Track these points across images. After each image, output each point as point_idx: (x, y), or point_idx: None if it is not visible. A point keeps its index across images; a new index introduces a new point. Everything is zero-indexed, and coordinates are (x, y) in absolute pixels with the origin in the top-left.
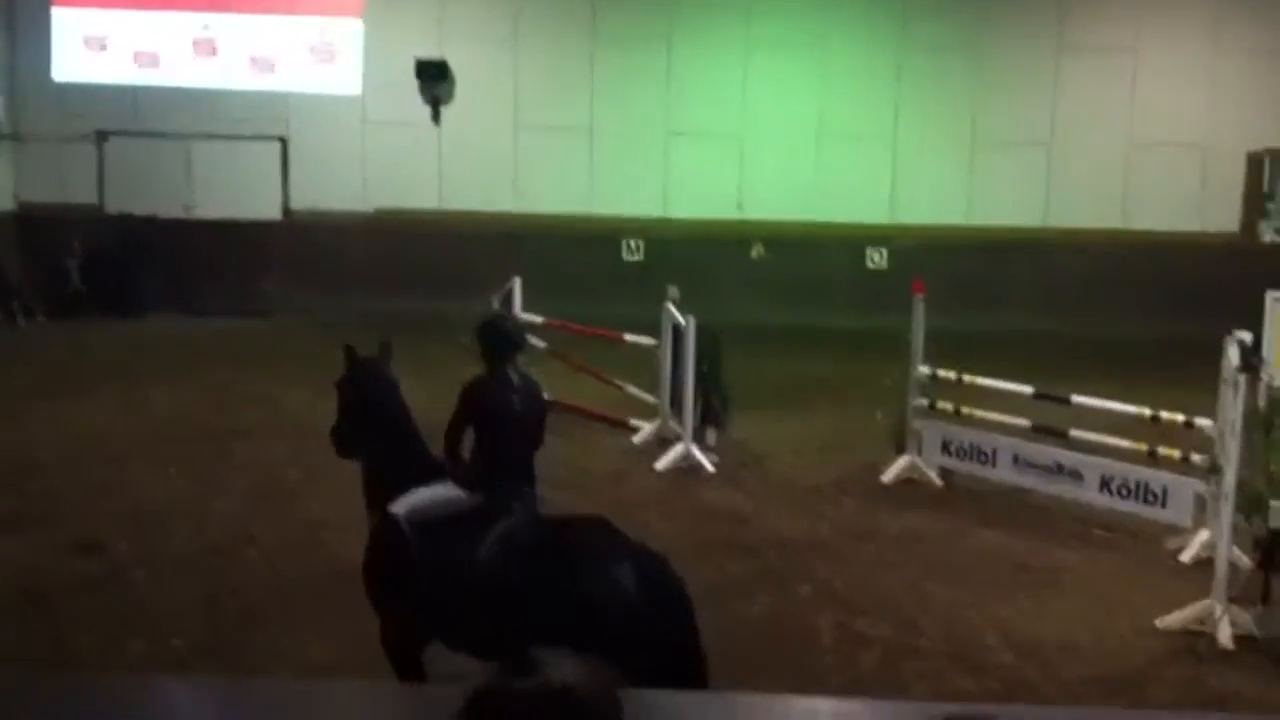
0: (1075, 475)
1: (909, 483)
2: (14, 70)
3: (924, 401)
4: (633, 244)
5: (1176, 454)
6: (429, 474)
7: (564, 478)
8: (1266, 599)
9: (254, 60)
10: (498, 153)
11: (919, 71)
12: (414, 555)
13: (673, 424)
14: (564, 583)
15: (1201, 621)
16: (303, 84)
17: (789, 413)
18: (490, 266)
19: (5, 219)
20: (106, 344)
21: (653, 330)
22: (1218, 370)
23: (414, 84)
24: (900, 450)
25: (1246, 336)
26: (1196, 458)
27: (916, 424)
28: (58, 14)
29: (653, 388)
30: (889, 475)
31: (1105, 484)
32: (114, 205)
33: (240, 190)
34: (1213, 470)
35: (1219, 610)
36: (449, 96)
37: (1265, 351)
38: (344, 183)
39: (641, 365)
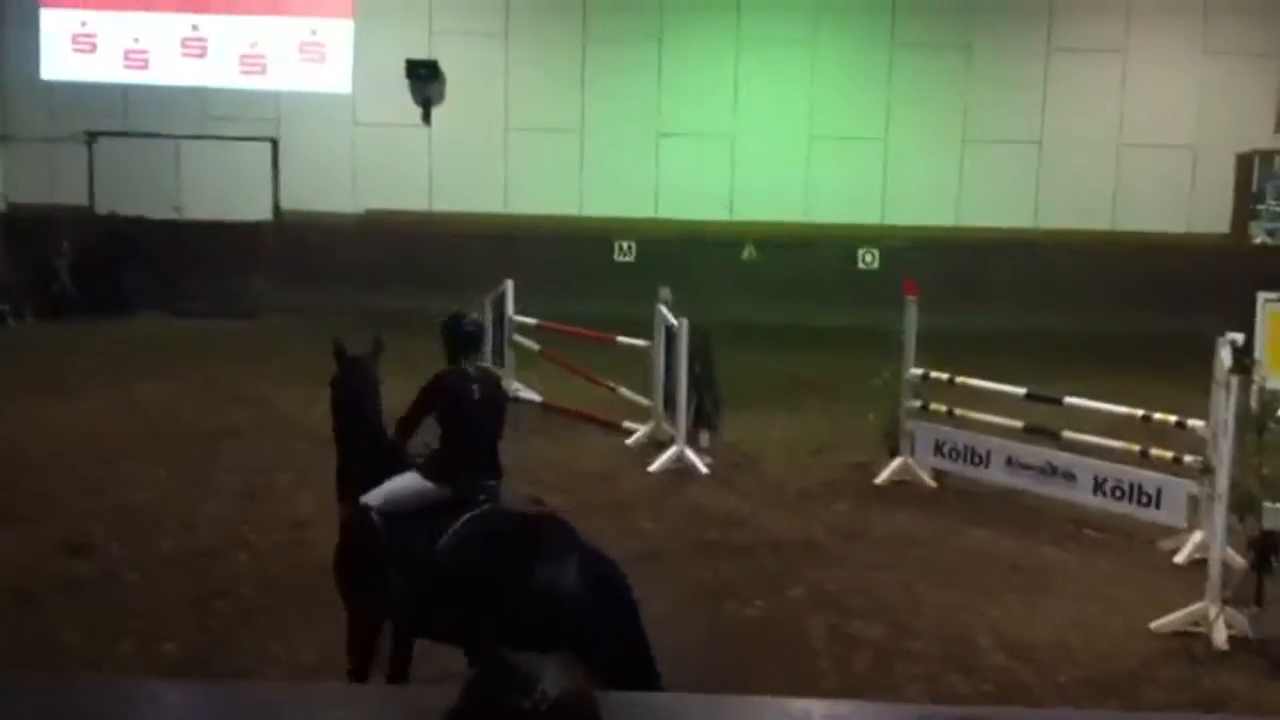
0: (1068, 476)
1: (902, 484)
2: (2, 70)
3: (917, 403)
4: (624, 245)
5: (1169, 455)
6: (397, 468)
7: (557, 480)
8: (1260, 600)
9: (244, 60)
10: (488, 153)
11: (910, 72)
12: (382, 545)
13: (666, 426)
14: (514, 575)
15: (1195, 623)
16: (293, 84)
17: (781, 414)
18: (481, 268)
19: None
20: (96, 344)
21: (645, 331)
22: (1209, 370)
23: (404, 84)
24: (893, 452)
25: (1238, 338)
26: (1189, 459)
27: (909, 425)
28: (46, 14)
29: (645, 389)
30: (882, 477)
31: (1098, 485)
32: (103, 206)
33: (230, 191)
34: (1205, 471)
35: (1213, 611)
36: (439, 97)
37: (1256, 352)
38: (334, 183)
39: (634, 367)
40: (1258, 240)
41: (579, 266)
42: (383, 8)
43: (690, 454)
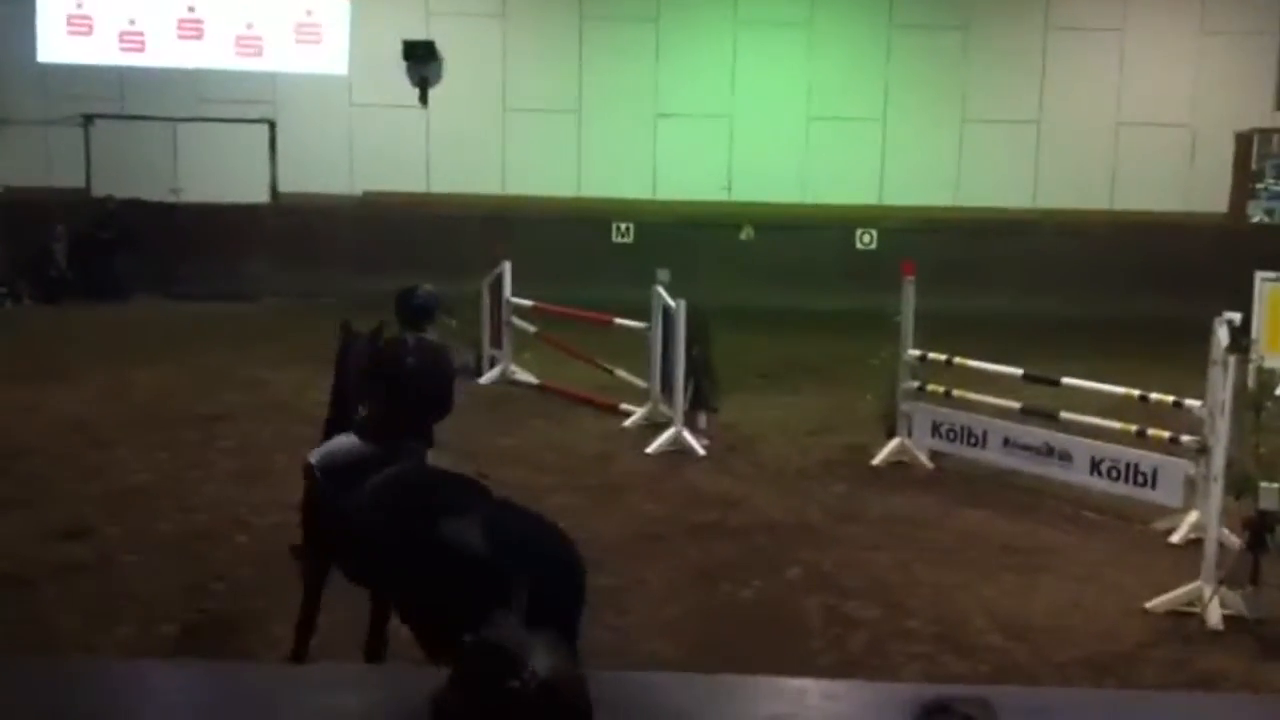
0: (1065, 457)
1: (899, 465)
2: None
3: (914, 384)
4: (622, 226)
5: (1166, 435)
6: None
7: (554, 461)
8: (1256, 580)
9: (240, 42)
10: (486, 135)
11: (907, 52)
12: (318, 495)
13: (663, 407)
14: (419, 527)
15: (1191, 603)
16: (289, 65)
17: (779, 395)
18: (478, 249)
19: None
20: (92, 328)
21: (643, 313)
22: (1206, 350)
23: (401, 66)
24: (890, 433)
25: (1235, 317)
26: (1186, 439)
27: (906, 406)
28: None
29: (643, 371)
30: (879, 458)
31: (1095, 465)
32: (100, 189)
33: (227, 173)
34: (1202, 451)
35: (1208, 591)
36: (436, 78)
37: (1254, 332)
38: (331, 165)
39: (631, 348)
40: (1256, 219)
41: (576, 248)
42: None
43: (687, 435)
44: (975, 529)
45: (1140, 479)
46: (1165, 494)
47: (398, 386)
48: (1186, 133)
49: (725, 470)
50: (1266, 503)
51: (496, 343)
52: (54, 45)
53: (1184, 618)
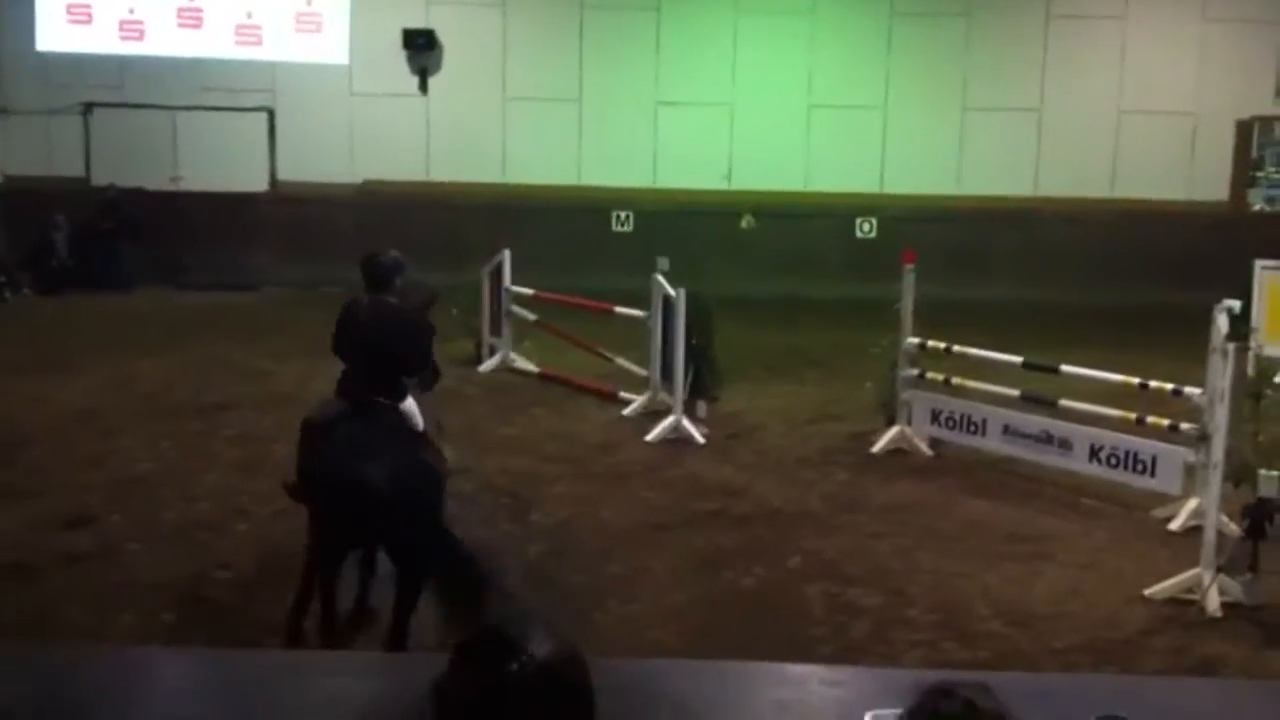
0: (1064, 444)
1: (899, 453)
2: None
3: (914, 372)
4: (622, 215)
5: (1165, 423)
6: None
7: (554, 450)
8: (1255, 567)
9: (240, 31)
10: (486, 123)
11: (909, 40)
12: (304, 448)
13: (663, 396)
14: (344, 470)
15: (1190, 590)
16: (289, 54)
17: (779, 383)
18: (479, 238)
19: None
20: (94, 317)
21: (643, 301)
22: (1207, 338)
23: (401, 54)
24: (890, 421)
25: (1235, 305)
26: (1185, 426)
27: (906, 394)
28: None
29: (643, 360)
30: (879, 446)
31: (1094, 453)
32: (100, 178)
33: (227, 162)
34: (1201, 439)
35: (1207, 578)
36: (436, 67)
37: (1254, 320)
38: (331, 154)
39: (631, 337)
40: (1256, 207)
41: (577, 236)
42: None
43: (687, 424)
44: (976, 516)
45: (1140, 466)
46: (1165, 481)
47: (357, 345)
48: (1188, 121)
49: (727, 459)
50: (1266, 490)
51: (496, 331)
52: (54, 34)
53: (1183, 605)
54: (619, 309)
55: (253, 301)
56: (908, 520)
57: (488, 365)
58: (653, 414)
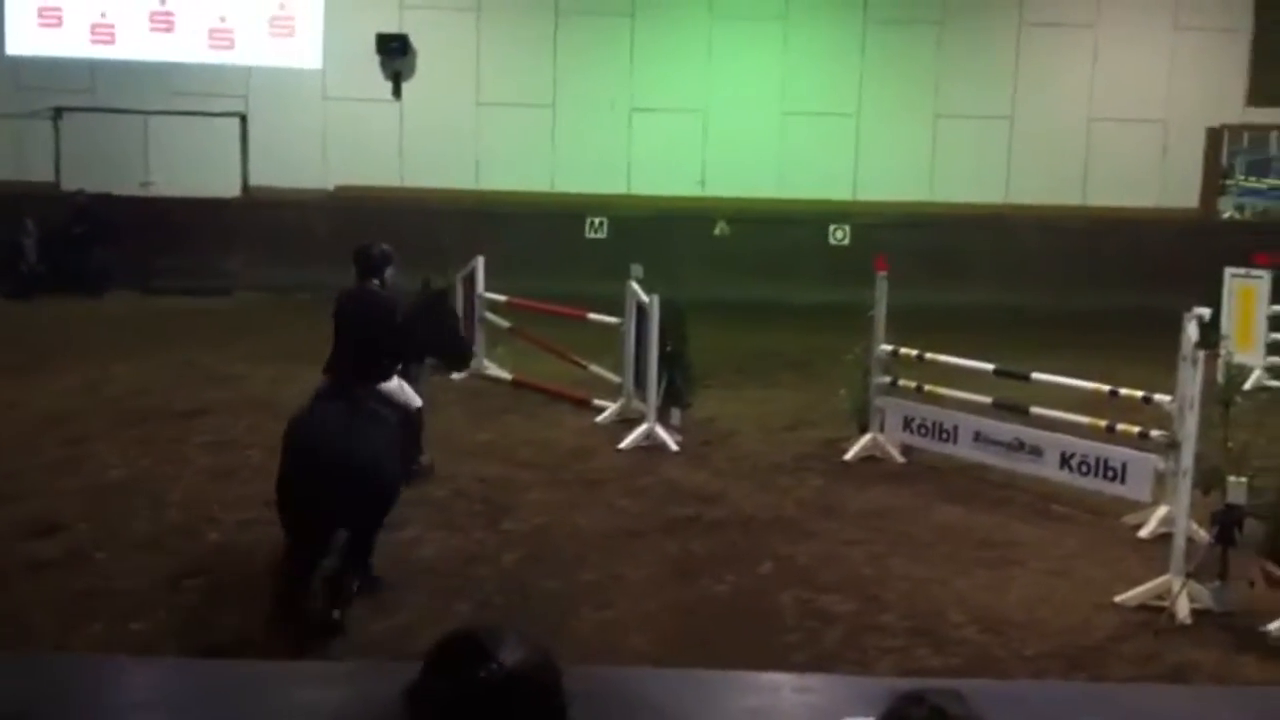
0: (1035, 452)
1: (871, 460)
2: None
3: (886, 379)
4: (596, 221)
5: (1135, 430)
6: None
7: (528, 456)
8: (1224, 574)
9: (212, 35)
10: (459, 129)
11: (882, 47)
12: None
13: (636, 403)
14: (308, 438)
15: (1160, 596)
16: (262, 59)
17: (753, 390)
18: (452, 243)
19: None
20: (64, 322)
21: (617, 308)
22: (1177, 344)
23: (375, 59)
24: (863, 427)
25: (1205, 313)
26: (1155, 433)
27: (879, 401)
28: None
29: (616, 366)
30: (852, 453)
31: (1065, 460)
32: (71, 182)
33: (199, 167)
34: (1171, 446)
35: (1177, 585)
36: (410, 72)
37: (1224, 328)
38: (304, 159)
39: (605, 343)
40: (1226, 214)
41: (551, 242)
42: None
43: (660, 431)
44: (949, 523)
45: (1110, 473)
46: (1135, 488)
47: (337, 329)
48: (1159, 128)
49: (701, 465)
50: (1235, 497)
51: (470, 337)
52: (23, 37)
53: (1154, 611)
54: (592, 315)
55: (225, 306)
56: (881, 527)
57: (461, 372)
58: (626, 421)
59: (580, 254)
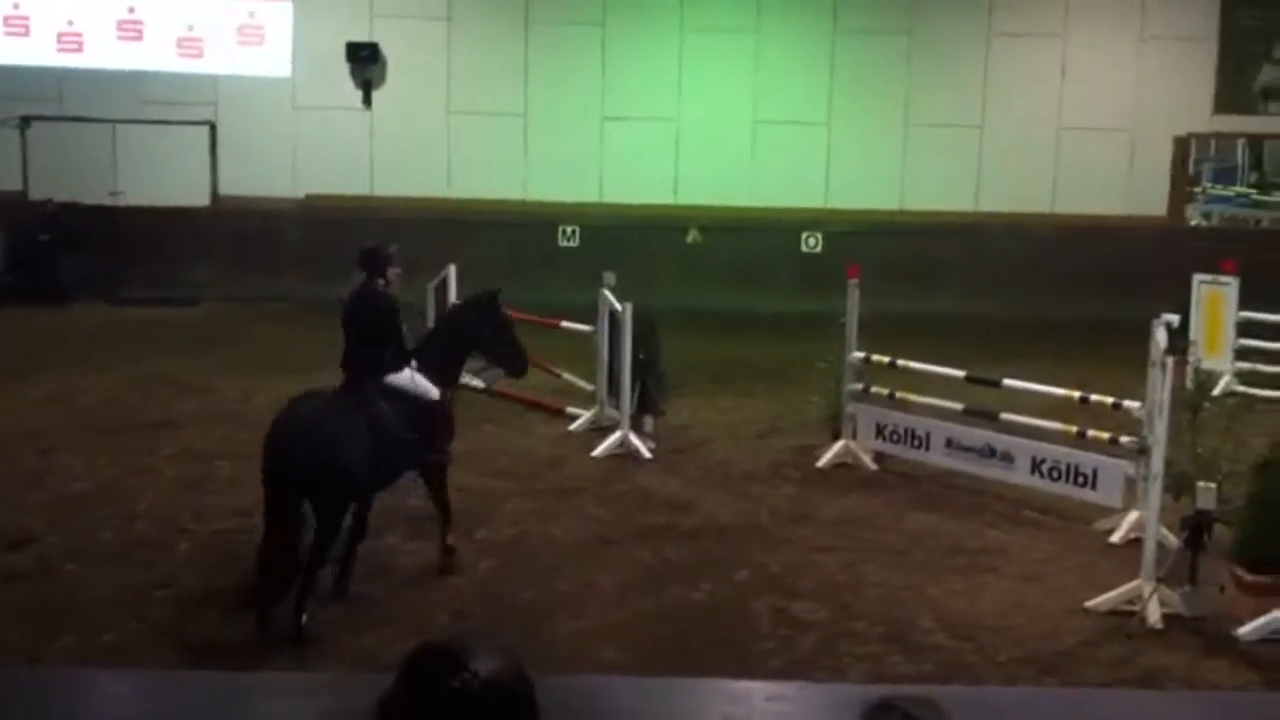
0: (1006, 458)
1: (844, 467)
2: None
3: (858, 386)
4: (568, 230)
5: (1106, 436)
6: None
7: (501, 465)
8: (1194, 579)
9: (181, 43)
10: (430, 137)
11: (852, 58)
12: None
13: (610, 411)
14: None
15: (1131, 601)
16: (231, 67)
17: (726, 397)
18: (424, 253)
19: None
20: (32, 333)
21: (589, 316)
22: (1147, 351)
23: (345, 68)
24: (836, 435)
25: (1174, 319)
26: (1125, 439)
27: (851, 408)
28: None
29: (590, 374)
30: (824, 460)
31: (1036, 466)
32: (38, 192)
33: (168, 176)
34: (1141, 452)
35: (1148, 590)
36: (381, 80)
37: (1192, 334)
38: (273, 168)
39: (578, 352)
40: (1194, 222)
41: (523, 251)
42: None
43: (634, 439)
44: (922, 530)
45: (1081, 479)
46: (1105, 494)
47: (345, 326)
48: (1126, 137)
49: (674, 473)
50: (1204, 502)
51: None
52: None
53: (1125, 616)
54: (566, 324)
55: (194, 316)
56: (854, 534)
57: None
58: (600, 429)
59: (553, 262)
